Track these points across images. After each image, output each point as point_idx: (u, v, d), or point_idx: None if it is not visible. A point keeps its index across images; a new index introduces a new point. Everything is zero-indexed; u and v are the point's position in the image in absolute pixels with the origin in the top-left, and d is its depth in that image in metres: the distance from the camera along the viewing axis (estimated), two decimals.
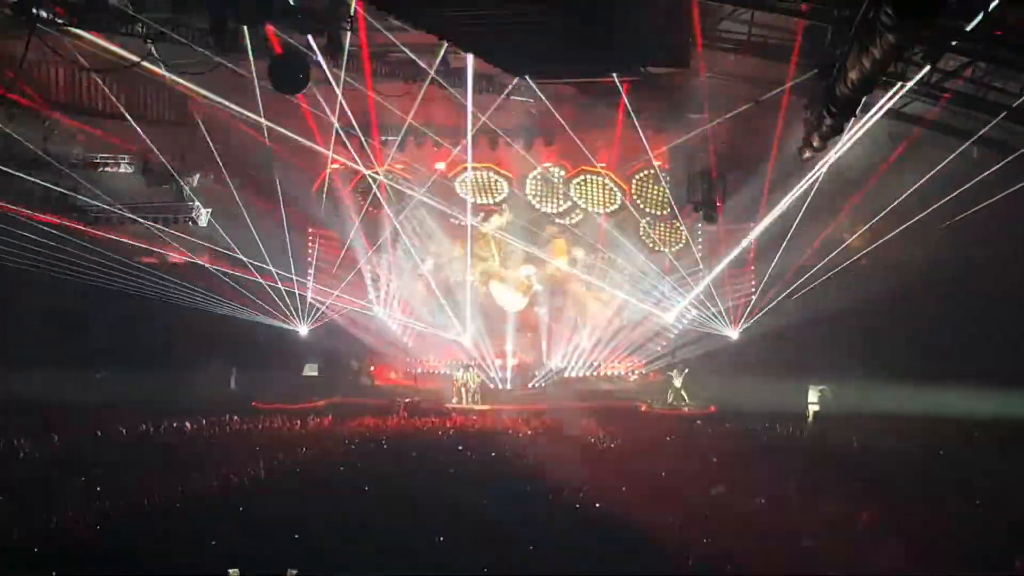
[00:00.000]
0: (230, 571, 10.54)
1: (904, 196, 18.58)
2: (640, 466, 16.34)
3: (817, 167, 18.19)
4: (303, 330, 26.01)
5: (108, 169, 22.46)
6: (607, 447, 18.68)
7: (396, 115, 21.68)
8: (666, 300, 26.19)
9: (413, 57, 19.40)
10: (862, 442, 18.45)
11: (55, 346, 23.04)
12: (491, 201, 26.83)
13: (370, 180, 24.87)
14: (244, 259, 23.65)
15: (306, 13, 15.45)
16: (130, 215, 22.81)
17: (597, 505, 13.78)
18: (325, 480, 15.63)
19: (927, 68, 13.38)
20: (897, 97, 14.68)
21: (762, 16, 15.41)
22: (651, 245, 26.58)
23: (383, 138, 24.35)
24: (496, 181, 26.45)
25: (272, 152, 21.63)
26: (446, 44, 16.85)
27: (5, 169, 19.45)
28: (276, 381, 24.73)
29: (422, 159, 25.70)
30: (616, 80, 17.56)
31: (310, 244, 26.49)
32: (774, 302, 23.43)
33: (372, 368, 27.51)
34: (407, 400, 23.91)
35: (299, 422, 21.14)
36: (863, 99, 10.86)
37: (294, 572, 10.57)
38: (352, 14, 16.16)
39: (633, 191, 26.29)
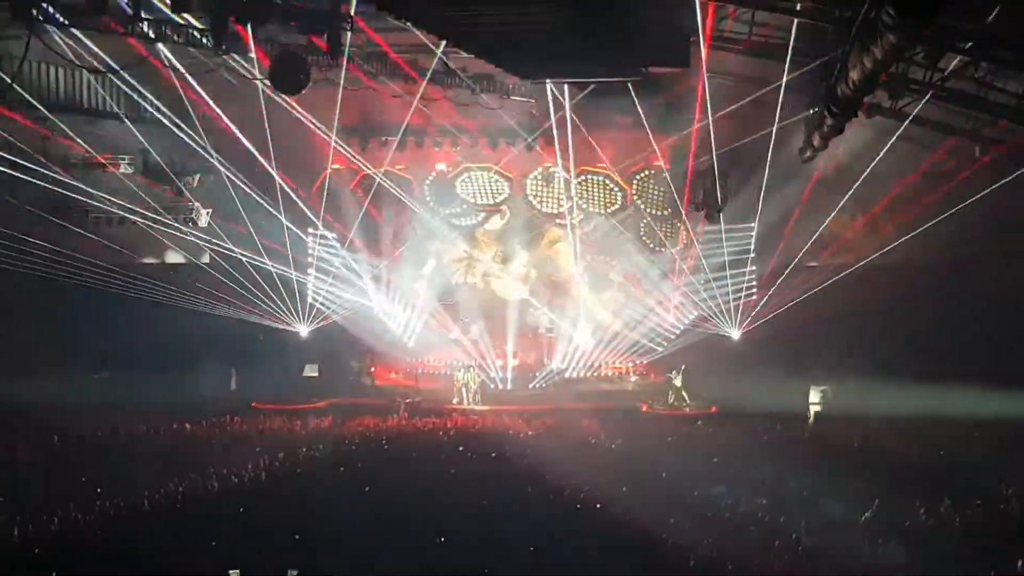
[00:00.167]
0: (230, 571, 10.57)
1: (904, 196, 18.59)
2: (641, 466, 16.31)
3: (818, 166, 18.20)
4: (303, 330, 26.02)
5: (108, 169, 22.47)
6: (608, 447, 18.68)
7: (396, 115, 21.68)
8: (666, 300, 26.20)
9: (413, 57, 19.44)
10: (862, 442, 18.45)
11: (55, 347, 23.06)
12: (491, 201, 26.83)
13: (370, 180, 24.87)
14: (244, 259, 23.67)
15: (306, 13, 15.47)
16: (130, 215, 22.81)
17: (598, 505, 13.76)
18: (325, 481, 15.61)
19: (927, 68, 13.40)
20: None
21: (762, 16, 15.41)
22: (652, 245, 26.59)
23: (383, 138, 24.36)
24: (496, 181, 26.46)
25: (272, 152, 21.62)
26: (445, 44, 16.83)
27: (4, 170, 19.44)
28: (276, 381, 24.72)
29: (422, 159, 25.70)
30: (616, 80, 17.54)
31: (310, 244, 26.50)
32: (775, 302, 23.43)
33: (372, 368, 27.49)
34: (408, 400, 23.88)
35: (299, 422, 21.13)
36: (864, 99, 10.87)
37: (294, 572, 10.58)
38: (352, 14, 16.18)
39: (634, 191, 26.28)
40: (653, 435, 19.86)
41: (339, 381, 26.14)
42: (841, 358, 22.39)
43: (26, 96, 18.59)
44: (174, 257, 25.43)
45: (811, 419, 21.53)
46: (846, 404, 21.29)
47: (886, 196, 21.20)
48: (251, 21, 14.79)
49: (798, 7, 13.07)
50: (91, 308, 23.25)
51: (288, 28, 15.97)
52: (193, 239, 24.21)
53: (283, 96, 18.43)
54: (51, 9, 14.33)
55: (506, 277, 27.30)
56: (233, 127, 20.90)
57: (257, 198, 22.85)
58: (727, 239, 23.97)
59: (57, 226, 21.57)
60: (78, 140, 20.76)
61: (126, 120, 21.02)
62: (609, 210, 26.49)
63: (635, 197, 26.27)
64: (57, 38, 16.30)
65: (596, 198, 26.46)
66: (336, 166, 25.35)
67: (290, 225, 23.82)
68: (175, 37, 15.95)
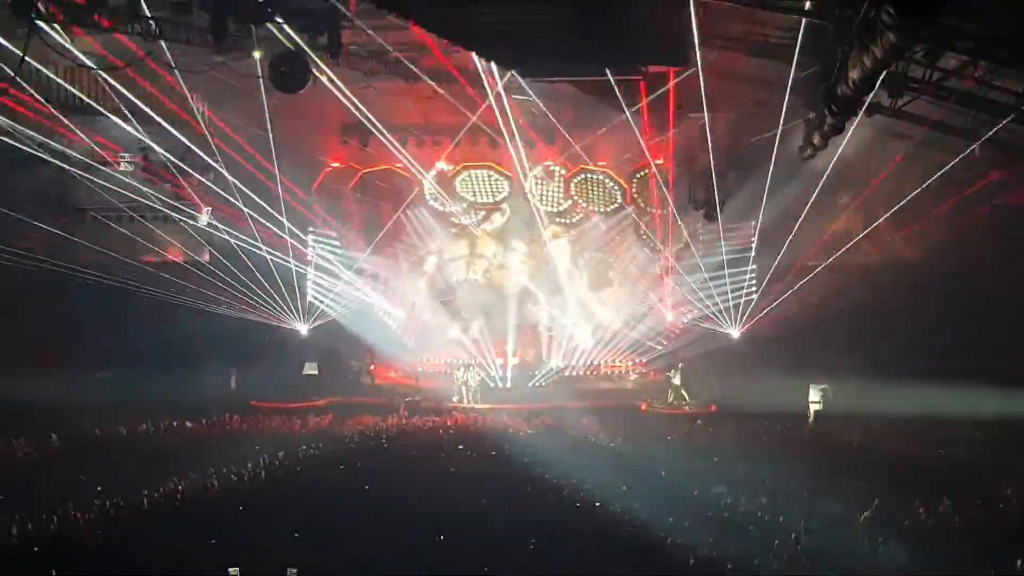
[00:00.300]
0: (230, 570, 10.56)
1: (904, 196, 18.58)
2: (640, 466, 16.32)
3: (818, 166, 18.17)
4: (303, 329, 26.01)
5: (108, 169, 22.47)
6: (607, 446, 18.68)
7: (396, 114, 21.65)
8: (666, 299, 26.19)
9: (413, 56, 19.43)
10: (862, 442, 18.44)
11: (55, 346, 23.04)
12: (491, 200, 26.82)
13: (370, 179, 24.86)
14: (244, 257, 23.66)
15: (306, 13, 15.46)
16: (130, 215, 22.81)
17: (597, 505, 13.78)
18: (325, 479, 15.63)
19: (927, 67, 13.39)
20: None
21: (763, 15, 15.39)
22: (651, 244, 26.57)
23: (383, 137, 24.35)
24: (496, 180, 26.45)
25: (272, 151, 21.62)
26: (445, 43, 16.85)
27: (6, 168, 19.46)
28: (276, 381, 24.71)
29: (422, 158, 25.71)
30: (616, 79, 17.55)
31: (310, 243, 26.48)
32: (775, 301, 23.42)
33: (372, 367, 27.46)
34: (407, 399, 23.90)
35: (299, 421, 21.15)
36: (864, 98, 10.86)
37: (294, 571, 10.58)
38: (352, 13, 16.18)
39: (633, 190, 26.26)
40: (653, 434, 19.88)
41: (339, 380, 26.11)
42: (841, 358, 22.37)
43: (27, 92, 18.58)
44: (174, 255, 25.44)
45: (811, 418, 21.51)
46: (846, 404, 21.26)
47: (886, 196, 21.19)
48: (251, 21, 14.79)
49: (800, 7, 13.05)
50: (91, 308, 23.27)
51: (288, 27, 15.96)
52: (194, 237, 24.21)
53: (283, 95, 18.41)
54: (52, 7, 14.32)
55: (506, 268, 27.29)
56: (233, 126, 20.90)
57: (257, 197, 22.87)
58: (726, 238, 23.97)
59: (58, 224, 21.56)
60: (81, 134, 20.76)
61: (127, 118, 20.99)
62: (608, 208, 26.49)
63: (635, 196, 26.26)
64: (58, 36, 16.29)
65: (596, 197, 26.45)
66: (336, 164, 25.30)
67: (290, 224, 23.84)
68: (175, 36, 15.94)
